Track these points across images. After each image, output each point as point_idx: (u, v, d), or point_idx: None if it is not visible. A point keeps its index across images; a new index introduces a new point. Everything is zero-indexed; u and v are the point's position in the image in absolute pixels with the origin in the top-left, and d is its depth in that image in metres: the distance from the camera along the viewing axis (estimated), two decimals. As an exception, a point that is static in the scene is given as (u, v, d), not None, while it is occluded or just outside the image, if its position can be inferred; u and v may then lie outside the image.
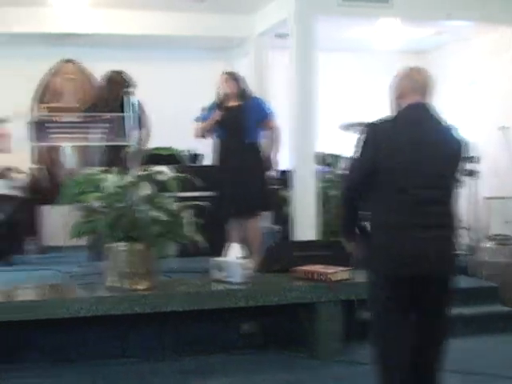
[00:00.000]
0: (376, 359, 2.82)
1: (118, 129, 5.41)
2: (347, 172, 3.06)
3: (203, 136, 5.96)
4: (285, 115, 6.26)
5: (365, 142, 2.91)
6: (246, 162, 5.74)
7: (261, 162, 5.84)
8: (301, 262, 4.26)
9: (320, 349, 4.00)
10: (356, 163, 2.96)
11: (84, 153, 5.84)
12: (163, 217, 3.62)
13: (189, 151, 7.09)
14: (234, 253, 4.08)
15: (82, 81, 8.23)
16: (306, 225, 6.00)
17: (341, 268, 4.14)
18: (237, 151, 5.76)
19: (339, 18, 6.57)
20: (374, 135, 2.91)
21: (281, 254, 4.47)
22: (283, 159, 6.28)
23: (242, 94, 5.84)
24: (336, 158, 6.80)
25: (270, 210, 6.21)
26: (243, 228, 5.91)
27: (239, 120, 5.75)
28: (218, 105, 5.85)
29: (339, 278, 4.06)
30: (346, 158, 6.74)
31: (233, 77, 5.89)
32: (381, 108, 3.41)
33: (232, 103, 5.86)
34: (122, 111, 5.57)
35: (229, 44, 8.11)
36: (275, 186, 6.98)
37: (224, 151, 5.89)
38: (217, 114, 5.83)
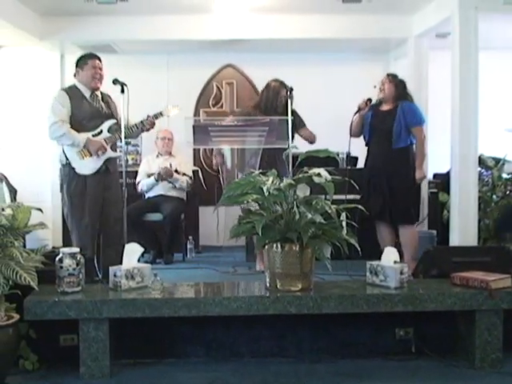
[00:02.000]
0: None
1: (278, 132, 5.53)
2: None
3: (354, 134, 5.97)
4: (445, 116, 6.13)
5: None
6: (392, 168, 5.68)
7: (409, 169, 5.72)
8: (459, 267, 4.16)
9: (478, 359, 3.88)
10: None
11: (243, 155, 6.00)
12: (320, 219, 3.66)
13: (344, 153, 7.09)
14: (390, 257, 4.05)
15: (240, 85, 8.48)
16: (465, 230, 5.86)
17: (502, 275, 4.00)
18: (383, 156, 5.72)
19: (503, 15, 6.34)
20: None
21: (439, 259, 4.38)
22: (440, 160, 6.15)
23: (398, 98, 5.78)
24: (497, 161, 6.57)
25: (415, 221, 6.08)
26: (395, 232, 5.85)
27: (387, 124, 5.72)
28: (373, 104, 5.86)
29: (500, 286, 3.92)
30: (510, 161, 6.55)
31: (391, 80, 5.84)
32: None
33: (386, 107, 5.83)
34: (282, 115, 5.69)
35: (386, 45, 8.05)
36: (432, 190, 6.86)
37: (371, 155, 5.88)
38: (362, 103, 5.83)
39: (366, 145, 5.93)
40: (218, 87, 8.51)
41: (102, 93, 5.34)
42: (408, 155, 5.70)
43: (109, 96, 5.44)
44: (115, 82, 5.21)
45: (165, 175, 7.06)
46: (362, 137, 6.01)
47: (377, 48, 8.15)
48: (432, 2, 6.65)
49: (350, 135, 5.91)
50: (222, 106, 8.49)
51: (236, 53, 8.26)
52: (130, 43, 7.76)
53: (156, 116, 5.42)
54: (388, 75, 5.97)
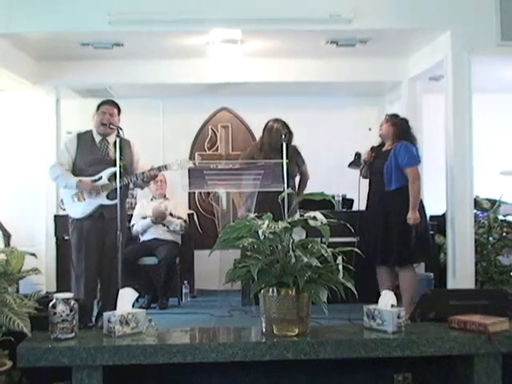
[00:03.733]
0: None
1: (274, 175, 5.55)
2: None
3: (364, 177, 6.03)
4: (440, 157, 6.16)
5: None
6: (387, 209, 5.69)
7: (404, 210, 5.70)
8: (457, 311, 4.14)
9: (478, 404, 3.84)
10: None
11: (239, 199, 6.04)
12: (317, 262, 3.66)
13: (340, 196, 7.12)
14: (387, 301, 4.03)
15: (236, 128, 8.53)
16: (462, 272, 5.85)
17: (500, 318, 3.98)
18: (380, 197, 5.75)
19: (497, 58, 6.41)
20: None
21: (436, 302, 4.36)
22: (435, 203, 6.17)
23: (397, 137, 5.81)
24: (493, 202, 6.59)
25: (419, 261, 6.10)
26: (395, 275, 5.84)
27: (380, 165, 5.75)
28: (374, 147, 5.91)
29: (498, 329, 3.90)
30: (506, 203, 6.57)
31: (388, 119, 5.89)
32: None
33: (386, 147, 5.87)
34: (281, 158, 5.72)
35: (381, 89, 8.13)
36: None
37: (369, 196, 5.90)
38: (366, 154, 5.89)
39: (368, 185, 5.97)
40: (213, 130, 8.56)
41: (120, 139, 5.19)
42: (403, 196, 5.69)
43: (129, 143, 5.47)
44: (110, 125, 5.26)
45: (157, 215, 7.06)
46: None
47: (372, 91, 8.22)
48: (426, 45, 6.73)
49: (363, 177, 5.98)
50: (217, 149, 8.53)
51: (231, 96, 8.33)
52: (126, 87, 7.82)
53: (160, 169, 5.45)
54: (386, 115, 6.05)
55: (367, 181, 6.02)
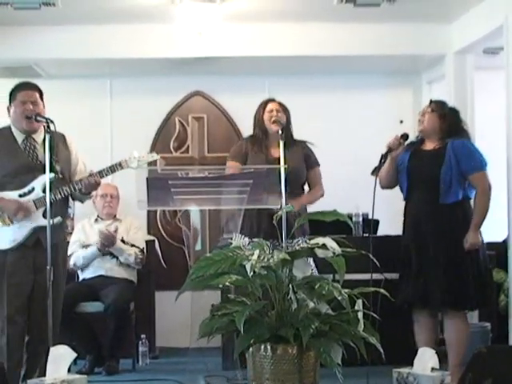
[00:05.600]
0: None
1: (267, 186, 5.54)
2: None
3: (385, 185, 5.97)
4: (498, 160, 6.17)
5: None
6: (438, 232, 5.67)
7: (462, 234, 5.69)
8: (527, 377, 4.16)
9: None
10: None
11: (219, 219, 6.03)
12: (327, 309, 3.67)
13: (360, 216, 7.11)
14: (426, 361, 4.04)
15: (213, 120, 8.52)
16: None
17: None
18: (427, 214, 5.72)
19: None
20: None
21: (495, 364, 4.37)
22: (492, 223, 6.16)
23: (446, 133, 5.79)
24: None
25: (486, 306, 6.08)
26: (438, 325, 5.83)
27: (432, 169, 5.71)
28: (412, 142, 5.87)
29: None
30: None
31: (433, 108, 5.86)
32: None
33: (430, 145, 5.84)
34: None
35: (416, 65, 8.17)
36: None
37: (409, 214, 5.86)
38: (393, 140, 5.83)
39: (405, 199, 5.92)
40: (181, 123, 8.55)
41: (50, 134, 5.19)
42: (460, 213, 5.67)
43: (63, 138, 5.43)
44: (37, 118, 5.22)
45: (104, 241, 7.02)
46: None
47: (404, 69, 8.23)
48: (477, 7, 6.75)
49: (381, 187, 5.92)
50: (187, 150, 8.51)
51: (206, 76, 8.31)
52: (59, 64, 7.80)
53: (113, 168, 5.39)
54: (431, 102, 5.98)
55: (387, 193, 5.99)
